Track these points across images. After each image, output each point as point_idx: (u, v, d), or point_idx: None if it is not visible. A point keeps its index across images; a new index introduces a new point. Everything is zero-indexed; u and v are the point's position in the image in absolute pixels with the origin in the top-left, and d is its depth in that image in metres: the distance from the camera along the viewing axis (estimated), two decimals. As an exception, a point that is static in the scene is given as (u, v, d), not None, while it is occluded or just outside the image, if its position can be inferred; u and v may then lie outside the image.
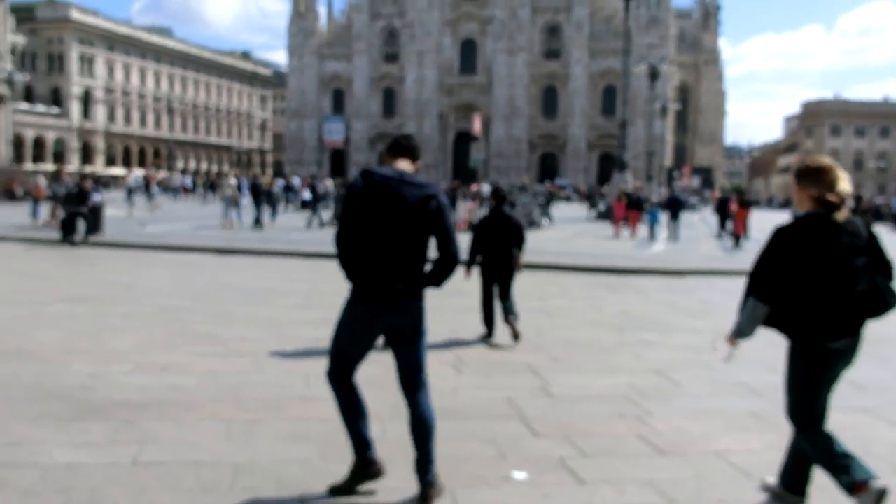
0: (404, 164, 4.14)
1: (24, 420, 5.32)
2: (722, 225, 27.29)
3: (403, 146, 4.20)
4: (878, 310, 4.06)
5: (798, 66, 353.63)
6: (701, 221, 39.76)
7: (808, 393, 4.00)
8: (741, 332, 4.13)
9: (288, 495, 4.16)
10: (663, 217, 26.91)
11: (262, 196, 25.79)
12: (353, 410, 4.16)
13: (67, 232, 19.06)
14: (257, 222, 24.79)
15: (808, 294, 3.89)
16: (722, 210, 27.24)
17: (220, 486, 4.25)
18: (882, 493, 3.75)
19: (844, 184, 3.92)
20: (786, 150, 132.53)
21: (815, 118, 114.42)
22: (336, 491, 4.18)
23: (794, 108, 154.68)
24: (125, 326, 8.86)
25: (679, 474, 4.64)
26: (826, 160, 4.03)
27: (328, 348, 4.23)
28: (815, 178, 3.92)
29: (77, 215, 19.26)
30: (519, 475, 4.54)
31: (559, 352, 8.13)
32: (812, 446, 3.97)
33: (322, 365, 7.09)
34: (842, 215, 3.90)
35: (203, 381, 6.52)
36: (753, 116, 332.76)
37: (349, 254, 4.00)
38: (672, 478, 4.56)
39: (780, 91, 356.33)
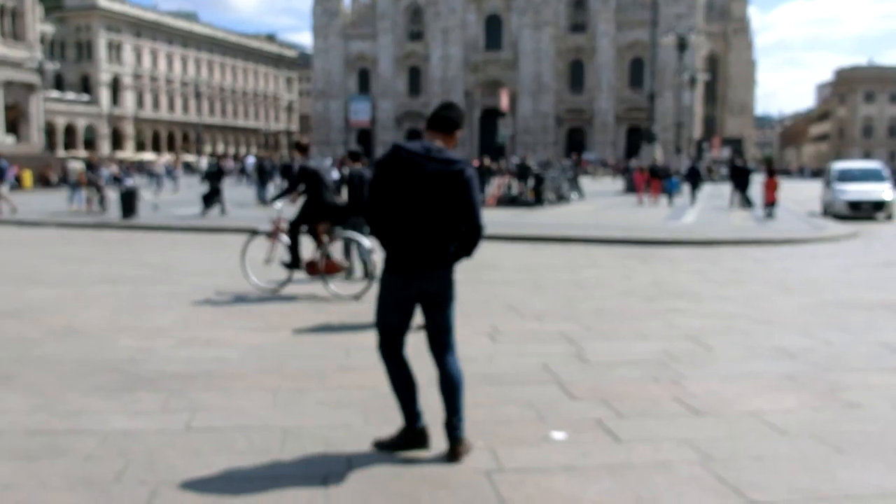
0: (438, 139, 4.25)
1: (78, 392, 5.54)
2: (743, 195, 27.35)
3: (436, 120, 4.30)
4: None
5: (831, 33, 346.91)
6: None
7: None
8: None
9: (335, 456, 4.32)
10: (685, 187, 28.24)
11: (266, 175, 28.15)
12: (402, 382, 4.34)
13: (208, 205, 22.23)
14: (262, 200, 26.66)
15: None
16: (736, 179, 27.65)
17: (270, 449, 4.42)
18: None
19: None
20: (818, 119, 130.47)
21: (849, 85, 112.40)
22: (379, 445, 4.39)
23: (827, 76, 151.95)
24: (166, 304, 9.10)
25: (714, 433, 4.74)
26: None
27: (373, 322, 4.38)
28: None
29: (217, 190, 22.31)
30: (557, 435, 4.66)
31: (592, 321, 8.23)
32: None
33: (361, 337, 7.31)
34: None
35: (246, 353, 6.71)
36: (784, 85, 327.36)
37: (382, 226, 4.19)
38: (708, 436, 4.66)
39: (811, 59, 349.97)
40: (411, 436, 4.37)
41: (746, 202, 26.99)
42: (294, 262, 9.61)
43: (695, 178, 29.87)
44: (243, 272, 10.09)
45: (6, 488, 3.88)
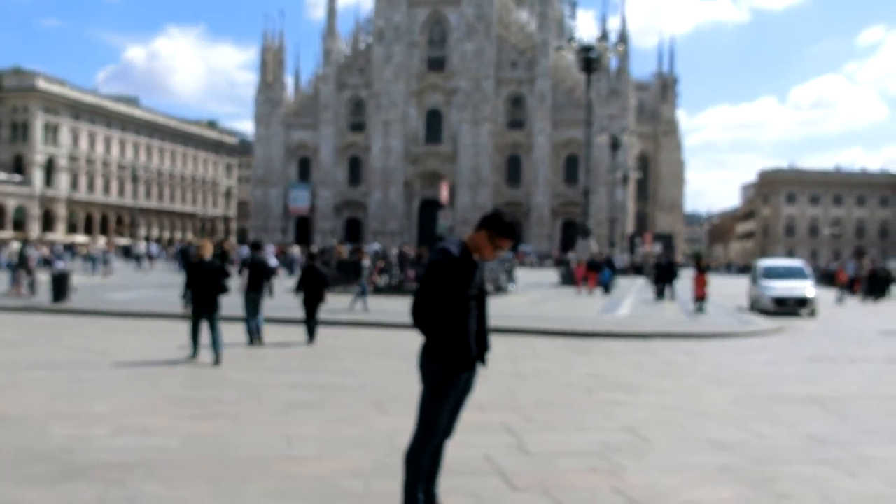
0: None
1: (13, 482, 5.39)
2: (659, 291, 28.87)
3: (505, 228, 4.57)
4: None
5: (754, 136, 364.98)
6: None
7: None
8: None
9: (281, 547, 4.30)
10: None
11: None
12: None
13: None
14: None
15: None
16: (661, 276, 29.04)
17: (214, 540, 4.37)
18: None
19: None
20: (744, 217, 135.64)
21: (772, 186, 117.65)
22: None
23: (751, 177, 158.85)
24: (102, 391, 8.91)
25: (654, 523, 4.85)
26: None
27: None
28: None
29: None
30: (502, 525, 4.71)
31: (532, 412, 8.34)
32: None
33: (302, 426, 7.27)
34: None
35: (186, 441, 6.61)
36: (712, 185, 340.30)
37: None
38: (648, 526, 4.77)
39: (737, 160, 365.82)
40: None
41: (661, 294, 28.86)
42: None
43: (610, 269, 33.46)
44: None
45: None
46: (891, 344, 16.98)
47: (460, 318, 4.40)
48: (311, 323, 14.03)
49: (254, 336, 13.43)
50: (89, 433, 6.81)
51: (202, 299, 11.33)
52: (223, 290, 11.58)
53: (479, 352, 4.57)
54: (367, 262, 22.42)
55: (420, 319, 4.45)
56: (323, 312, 14.71)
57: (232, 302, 14.13)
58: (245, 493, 5.26)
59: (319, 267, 14.78)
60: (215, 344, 11.15)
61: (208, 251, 11.93)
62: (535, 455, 6.53)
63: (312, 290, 14.09)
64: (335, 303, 21.69)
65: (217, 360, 11.08)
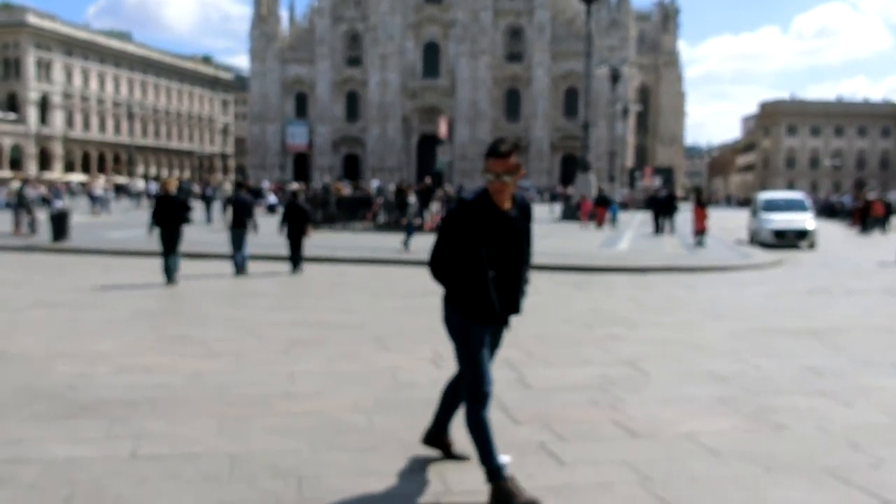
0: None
1: (17, 419, 5.45)
2: (658, 225, 29.15)
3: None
4: None
5: (755, 67, 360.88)
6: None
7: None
8: None
9: (285, 481, 4.36)
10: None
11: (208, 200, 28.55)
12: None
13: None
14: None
15: None
16: (656, 209, 29.24)
17: (219, 476, 4.44)
18: None
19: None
20: (744, 150, 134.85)
21: (772, 118, 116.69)
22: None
23: (752, 109, 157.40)
24: (104, 330, 8.96)
25: (652, 454, 4.93)
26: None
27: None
28: None
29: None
30: (503, 458, 4.78)
31: (533, 347, 8.39)
32: None
33: (303, 363, 7.32)
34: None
35: (189, 380, 6.67)
36: (712, 117, 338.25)
37: None
38: (646, 458, 4.85)
39: (738, 92, 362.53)
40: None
41: (660, 229, 29.27)
42: None
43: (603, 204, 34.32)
44: None
45: (-52, 518, 3.82)
46: (888, 276, 17.04)
47: (476, 270, 4.14)
48: (295, 256, 15.18)
49: (240, 268, 14.55)
50: (92, 371, 6.87)
51: (168, 229, 13.09)
52: (186, 220, 13.46)
53: (503, 310, 4.34)
54: (412, 199, 21.28)
55: (436, 271, 4.28)
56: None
57: (222, 239, 14.69)
58: (249, 430, 5.32)
59: (301, 203, 15.97)
60: (174, 266, 13.04)
61: (172, 186, 14.25)
62: (535, 389, 6.59)
63: (295, 226, 15.17)
64: (341, 240, 21.70)
65: (171, 280, 12.98)
